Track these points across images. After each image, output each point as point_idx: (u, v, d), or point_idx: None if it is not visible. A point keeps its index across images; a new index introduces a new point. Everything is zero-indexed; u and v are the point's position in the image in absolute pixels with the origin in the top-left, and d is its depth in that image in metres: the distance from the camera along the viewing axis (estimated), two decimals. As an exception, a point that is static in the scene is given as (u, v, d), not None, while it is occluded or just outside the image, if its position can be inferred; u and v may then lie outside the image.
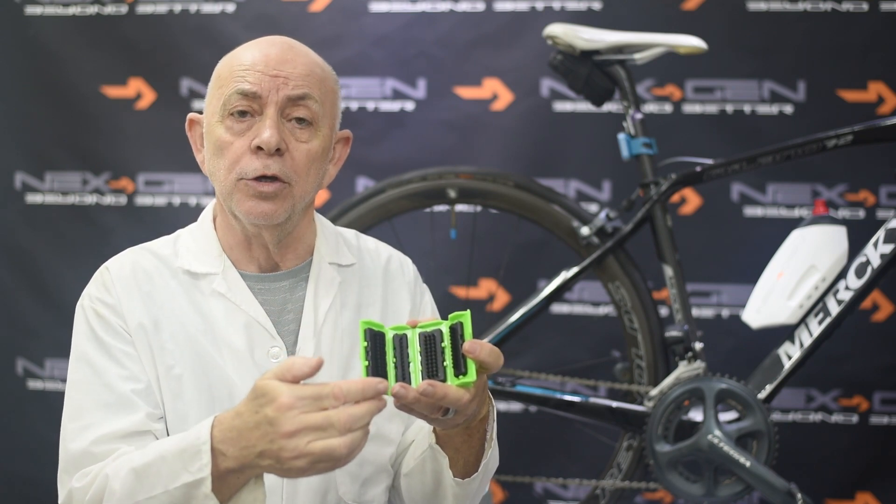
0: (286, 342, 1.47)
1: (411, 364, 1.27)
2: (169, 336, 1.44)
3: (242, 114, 1.41)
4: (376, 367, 1.25)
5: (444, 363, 1.26)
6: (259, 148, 1.40)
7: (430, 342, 1.28)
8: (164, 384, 1.42)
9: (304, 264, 1.52)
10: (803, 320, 2.23)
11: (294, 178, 1.42)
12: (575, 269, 2.36)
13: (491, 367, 1.27)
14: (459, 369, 1.26)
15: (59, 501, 1.40)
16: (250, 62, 1.42)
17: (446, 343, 1.28)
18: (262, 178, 1.40)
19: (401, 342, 1.28)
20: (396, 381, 1.25)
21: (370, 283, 1.57)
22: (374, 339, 1.27)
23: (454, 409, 1.28)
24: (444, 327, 1.29)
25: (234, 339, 1.44)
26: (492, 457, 1.44)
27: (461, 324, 1.27)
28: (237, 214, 1.44)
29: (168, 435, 1.41)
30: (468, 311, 1.29)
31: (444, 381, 1.25)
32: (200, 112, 1.53)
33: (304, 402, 1.15)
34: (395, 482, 1.54)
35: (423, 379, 1.25)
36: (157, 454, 1.28)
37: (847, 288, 2.19)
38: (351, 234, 1.63)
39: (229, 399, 1.42)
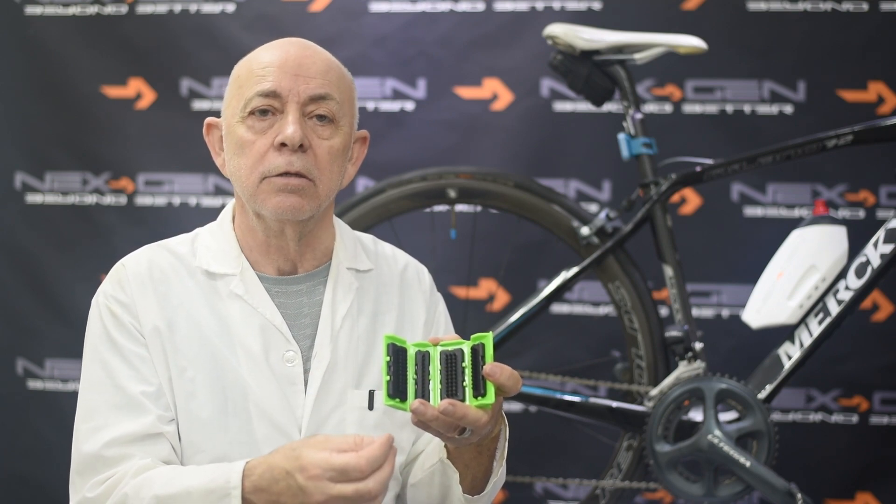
0: (302, 346, 1.47)
1: (431, 382, 1.29)
2: (183, 337, 1.44)
3: (264, 112, 1.42)
4: (397, 382, 1.27)
5: (464, 383, 1.28)
6: (283, 144, 1.40)
7: (451, 361, 1.29)
8: (177, 385, 1.42)
9: (322, 268, 1.52)
10: (803, 320, 2.23)
11: (317, 174, 1.42)
12: (575, 269, 2.36)
13: (509, 391, 1.28)
14: (479, 390, 1.27)
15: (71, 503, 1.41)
16: (269, 61, 1.43)
17: (467, 363, 1.29)
18: (286, 175, 1.40)
19: (423, 359, 1.30)
20: (416, 397, 1.27)
21: (387, 289, 1.57)
22: (397, 355, 1.29)
23: (470, 429, 1.29)
24: (466, 347, 1.30)
25: (250, 342, 1.44)
26: (500, 474, 1.45)
27: (483, 345, 1.29)
28: (262, 213, 1.44)
29: (180, 437, 1.42)
30: (490, 333, 1.30)
31: (463, 400, 1.26)
32: (213, 115, 1.53)
33: (332, 473, 1.19)
34: (401, 492, 1.55)
35: (441, 397, 1.27)
36: (182, 487, 1.29)
37: (847, 288, 2.19)
38: (369, 239, 1.63)
39: (243, 401, 1.42)
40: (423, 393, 1.28)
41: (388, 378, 1.26)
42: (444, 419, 1.25)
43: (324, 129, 1.43)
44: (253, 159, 1.42)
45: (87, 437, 1.39)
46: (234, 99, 1.45)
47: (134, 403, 1.40)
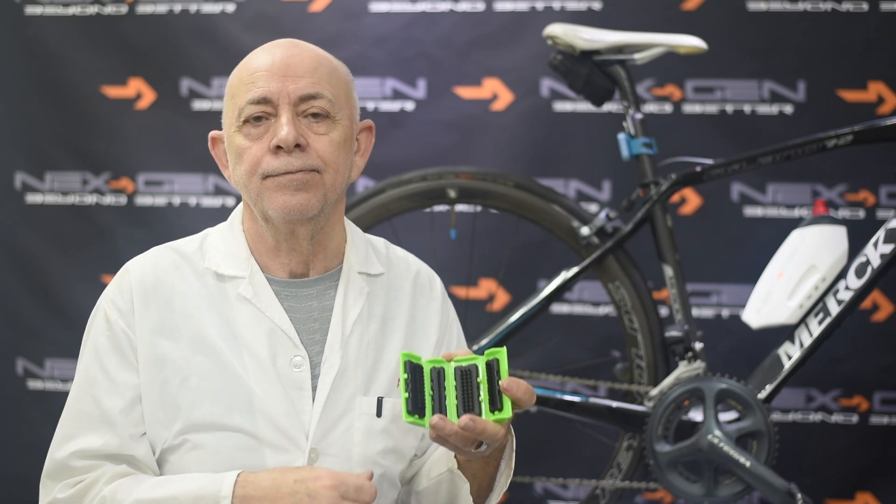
0: (310, 351, 1.45)
1: (447, 397, 1.30)
2: (186, 344, 1.42)
3: (258, 119, 1.41)
4: (415, 398, 1.29)
5: (480, 398, 1.30)
6: (279, 147, 1.39)
7: (466, 377, 1.31)
8: (179, 394, 1.41)
9: (332, 272, 1.50)
10: (803, 320, 2.23)
11: (321, 166, 1.41)
12: (575, 269, 2.36)
13: (524, 405, 1.30)
14: (495, 405, 1.29)
15: None
16: (256, 66, 1.42)
17: (482, 378, 1.31)
18: (288, 173, 1.39)
19: (438, 375, 1.32)
20: (433, 412, 1.28)
21: (398, 294, 1.55)
22: (413, 371, 1.30)
23: (486, 443, 1.30)
24: (481, 363, 1.32)
25: (257, 347, 1.43)
26: (506, 482, 1.47)
27: (497, 360, 1.31)
28: (270, 214, 1.42)
29: (183, 440, 1.41)
30: (504, 348, 1.32)
31: (480, 415, 1.29)
32: (213, 115, 1.52)
33: (346, 489, 1.28)
34: (405, 498, 1.55)
35: (458, 412, 1.29)
36: (168, 494, 1.31)
37: (847, 288, 2.19)
38: (380, 242, 1.62)
39: (248, 406, 1.41)
40: (440, 408, 1.29)
41: (406, 395, 1.28)
42: (464, 434, 1.26)
43: (319, 126, 1.42)
44: (250, 164, 1.41)
45: (59, 444, 1.41)
46: (229, 110, 1.45)
47: (106, 419, 1.40)
